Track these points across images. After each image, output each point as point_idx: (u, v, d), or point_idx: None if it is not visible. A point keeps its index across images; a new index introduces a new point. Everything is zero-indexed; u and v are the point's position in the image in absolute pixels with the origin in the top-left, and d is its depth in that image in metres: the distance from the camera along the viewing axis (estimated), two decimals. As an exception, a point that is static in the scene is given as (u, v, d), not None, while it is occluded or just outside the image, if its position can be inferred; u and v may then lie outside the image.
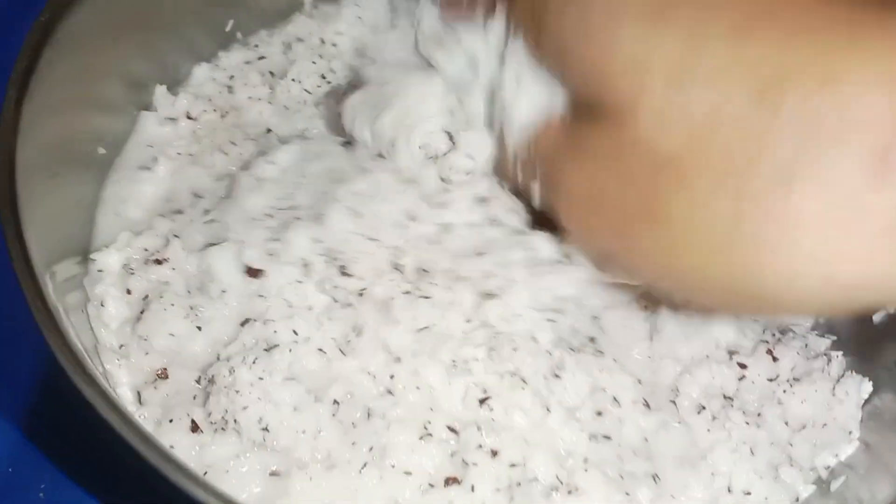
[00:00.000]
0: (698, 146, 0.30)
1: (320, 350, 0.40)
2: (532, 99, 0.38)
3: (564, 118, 0.37)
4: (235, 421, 0.38)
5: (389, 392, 0.40)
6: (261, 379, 0.39)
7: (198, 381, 0.40)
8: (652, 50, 0.31)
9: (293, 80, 0.52)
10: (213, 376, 0.39)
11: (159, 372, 0.41)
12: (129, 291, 0.43)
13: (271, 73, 0.53)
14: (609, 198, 0.34)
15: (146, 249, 0.44)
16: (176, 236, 0.44)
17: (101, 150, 0.47)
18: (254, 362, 0.39)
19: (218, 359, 0.40)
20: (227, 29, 0.54)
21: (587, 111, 0.34)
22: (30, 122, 0.38)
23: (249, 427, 0.38)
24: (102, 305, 0.43)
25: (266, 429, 0.38)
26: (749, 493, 0.40)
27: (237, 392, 0.38)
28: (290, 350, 0.40)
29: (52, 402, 0.50)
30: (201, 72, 0.52)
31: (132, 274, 0.43)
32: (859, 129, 0.28)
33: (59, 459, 0.48)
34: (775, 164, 0.29)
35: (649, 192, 0.32)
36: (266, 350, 0.40)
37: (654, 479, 0.40)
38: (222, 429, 0.38)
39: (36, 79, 0.38)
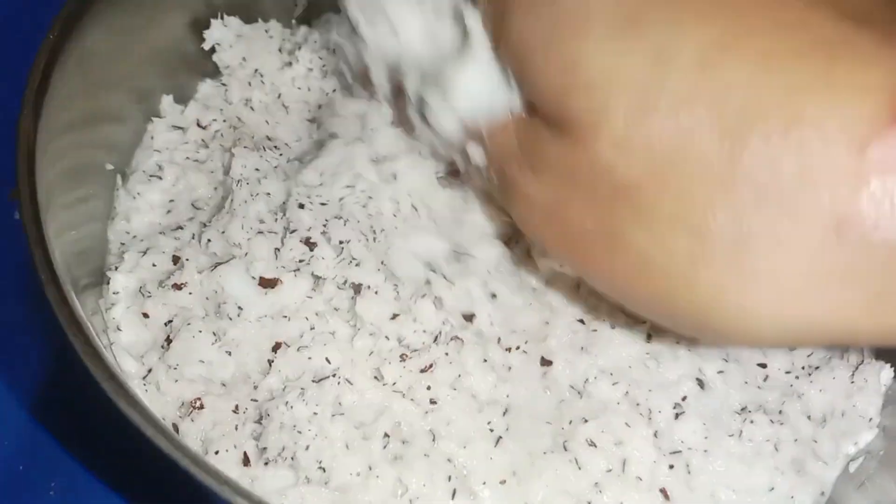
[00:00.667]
0: (658, 178, 0.29)
1: (360, 377, 0.39)
2: (488, 94, 0.35)
3: (522, 119, 0.34)
4: (293, 458, 0.37)
5: (433, 403, 0.39)
6: (315, 414, 0.38)
7: (235, 411, 0.39)
8: (617, 68, 0.29)
9: (298, 87, 0.51)
10: (268, 410, 0.38)
11: (194, 402, 0.39)
12: (146, 315, 0.42)
13: (273, 83, 0.52)
14: (565, 214, 0.32)
15: (154, 265, 0.43)
16: (187, 259, 0.42)
17: (110, 167, 0.46)
18: (303, 396, 0.38)
19: (255, 388, 0.39)
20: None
21: (546, 119, 0.33)
22: (45, 138, 0.37)
23: (308, 465, 0.37)
24: (119, 329, 0.42)
25: (322, 467, 0.37)
26: (772, 489, 0.40)
27: (296, 429, 0.37)
28: (338, 382, 0.39)
29: (63, 398, 0.50)
30: (207, 81, 0.52)
31: (149, 297, 0.42)
32: (820, 189, 0.27)
33: (70, 457, 0.48)
34: (733, 214, 0.28)
35: (606, 216, 0.31)
36: (315, 382, 0.39)
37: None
38: (275, 461, 0.37)
39: (49, 95, 0.38)
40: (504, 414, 0.40)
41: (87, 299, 0.41)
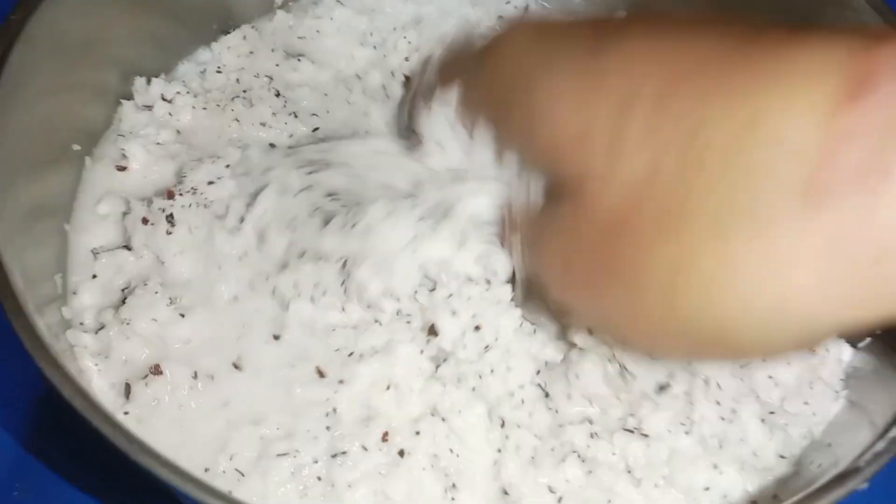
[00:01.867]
0: (638, 204, 0.31)
1: None
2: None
3: (540, 205, 0.39)
4: None
5: None
6: None
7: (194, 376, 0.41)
8: (589, 120, 0.33)
9: (267, 77, 0.52)
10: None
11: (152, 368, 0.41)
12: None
13: (256, 75, 0.53)
14: (577, 266, 0.35)
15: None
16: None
17: (76, 147, 0.47)
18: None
19: None
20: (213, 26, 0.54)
21: (554, 192, 0.36)
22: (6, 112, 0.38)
23: None
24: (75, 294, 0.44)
25: None
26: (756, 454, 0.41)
27: None
28: None
29: (54, 418, 0.50)
30: (184, 68, 0.53)
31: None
32: (787, 160, 0.28)
33: (64, 482, 0.49)
34: (709, 211, 0.29)
35: (605, 253, 0.33)
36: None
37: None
38: None
39: (8, 71, 0.39)
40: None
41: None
